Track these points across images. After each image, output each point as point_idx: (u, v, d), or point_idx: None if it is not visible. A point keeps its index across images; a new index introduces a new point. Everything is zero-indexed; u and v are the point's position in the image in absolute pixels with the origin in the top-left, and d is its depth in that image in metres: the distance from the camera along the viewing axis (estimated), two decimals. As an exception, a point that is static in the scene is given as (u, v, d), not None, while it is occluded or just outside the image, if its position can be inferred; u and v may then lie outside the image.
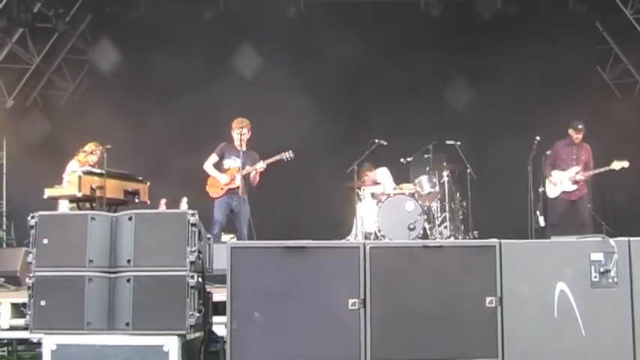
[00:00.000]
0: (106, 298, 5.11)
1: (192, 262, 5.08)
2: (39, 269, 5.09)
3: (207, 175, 9.83)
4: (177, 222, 5.16)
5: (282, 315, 4.94)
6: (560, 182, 10.07)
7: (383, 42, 13.09)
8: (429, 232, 10.81)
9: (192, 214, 5.18)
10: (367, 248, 4.97)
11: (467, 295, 4.95)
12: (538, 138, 10.12)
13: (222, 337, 5.53)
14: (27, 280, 5.18)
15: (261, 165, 9.52)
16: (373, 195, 11.35)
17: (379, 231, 10.74)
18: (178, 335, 4.99)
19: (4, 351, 6.53)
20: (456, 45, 12.99)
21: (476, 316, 4.92)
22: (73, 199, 8.98)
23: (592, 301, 4.92)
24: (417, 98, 13.12)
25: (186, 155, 11.54)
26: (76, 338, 5.01)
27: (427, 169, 11.42)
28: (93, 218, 5.19)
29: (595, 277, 4.95)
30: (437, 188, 11.15)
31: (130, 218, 5.18)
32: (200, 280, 5.26)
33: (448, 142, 11.26)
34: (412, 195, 10.90)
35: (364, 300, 4.90)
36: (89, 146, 9.68)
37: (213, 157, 9.79)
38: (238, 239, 8.77)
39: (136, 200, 9.35)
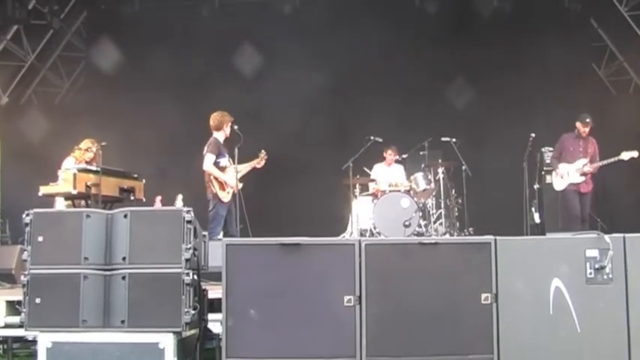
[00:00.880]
0: (101, 295, 5.10)
1: (187, 260, 5.07)
2: (34, 267, 5.08)
3: (202, 173, 9.18)
4: (172, 219, 5.15)
5: (278, 312, 4.94)
6: (567, 174, 9.93)
7: (378, 39, 13.08)
8: (424, 229, 10.82)
9: (188, 212, 5.17)
10: (362, 245, 4.96)
11: (462, 291, 4.95)
12: (533, 135, 10.12)
13: (218, 335, 5.52)
14: (22, 277, 5.17)
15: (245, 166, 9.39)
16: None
17: (374, 228, 10.76)
18: (174, 332, 4.98)
19: (-1, 348, 6.52)
20: (451, 42, 12.98)
21: (471, 312, 4.92)
22: (68, 197, 8.97)
23: (587, 298, 4.93)
24: (412, 95, 13.12)
25: (182, 152, 11.55)
26: (72, 336, 5.00)
27: (422, 166, 11.45)
28: (88, 216, 5.18)
29: (590, 273, 4.96)
30: (432, 185, 11.18)
31: (125, 216, 5.17)
32: (195, 277, 5.26)
33: (443, 139, 11.28)
34: (407, 192, 10.92)
35: (360, 297, 4.90)
36: (85, 143, 9.63)
37: (212, 157, 8.96)
38: (231, 236, 8.65)
39: (132, 198, 9.35)
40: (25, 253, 5.14)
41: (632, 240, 5.01)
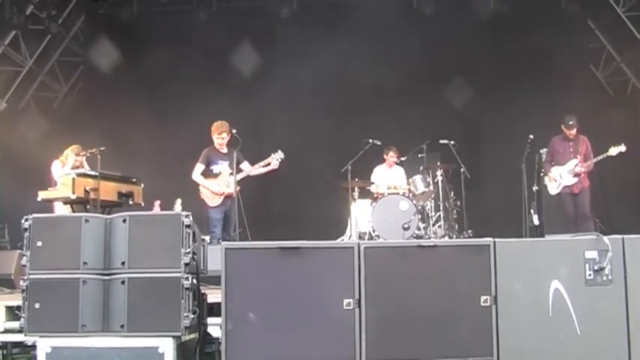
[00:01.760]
0: (100, 300, 5.10)
1: (186, 264, 5.08)
2: (33, 272, 5.08)
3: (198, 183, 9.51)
4: (171, 223, 5.16)
5: (277, 315, 4.93)
6: (560, 177, 9.94)
7: (376, 41, 13.10)
8: (423, 232, 10.82)
9: (187, 216, 5.17)
10: (361, 248, 4.96)
11: (461, 294, 4.95)
12: (531, 137, 10.11)
13: (218, 339, 5.51)
14: (21, 282, 5.17)
15: (250, 168, 9.40)
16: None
17: (373, 231, 10.75)
18: (173, 337, 4.98)
19: (-2, 354, 6.52)
20: (449, 44, 12.99)
21: (471, 315, 4.92)
22: (66, 201, 8.97)
23: (586, 299, 4.93)
24: (411, 98, 13.13)
25: (181, 157, 11.53)
26: (71, 341, 5.00)
27: (421, 168, 11.46)
28: (87, 220, 5.18)
29: (589, 275, 4.96)
30: (431, 188, 11.18)
31: (124, 220, 5.17)
32: (195, 281, 5.26)
33: (442, 141, 11.28)
34: (406, 194, 10.91)
35: (359, 300, 4.90)
36: (71, 149, 9.69)
37: (200, 167, 9.41)
38: (225, 240, 8.67)
39: (130, 202, 9.35)
40: (24, 258, 5.14)
41: (631, 241, 5.02)
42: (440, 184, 11.37)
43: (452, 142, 11.22)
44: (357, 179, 11.25)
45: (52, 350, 4.97)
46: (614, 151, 9.58)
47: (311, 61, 12.99)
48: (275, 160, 9.40)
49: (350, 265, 4.94)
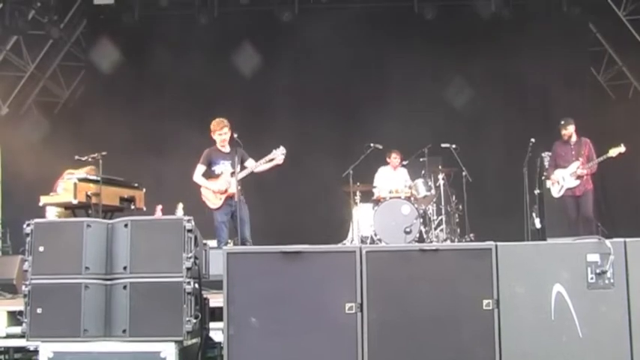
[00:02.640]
0: (102, 305, 5.11)
1: (188, 268, 5.08)
2: (35, 277, 5.09)
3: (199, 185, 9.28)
4: (173, 228, 5.17)
5: (279, 320, 4.93)
6: (562, 179, 9.92)
7: (377, 45, 13.12)
8: (425, 236, 10.81)
9: (188, 220, 5.18)
10: (363, 252, 4.96)
11: (463, 298, 4.94)
12: (533, 140, 10.09)
13: (220, 343, 5.53)
14: (23, 287, 5.17)
15: (254, 165, 9.25)
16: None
17: (375, 235, 10.75)
18: (175, 341, 4.99)
19: (0, 359, 6.51)
20: (450, 48, 13.00)
21: (473, 319, 4.91)
22: (68, 206, 8.98)
23: (589, 303, 4.91)
24: (412, 102, 13.12)
25: (182, 161, 11.53)
26: (73, 346, 5.01)
27: (423, 172, 11.44)
28: (89, 225, 5.19)
29: (591, 278, 4.95)
30: (432, 191, 11.17)
31: (125, 225, 5.18)
32: (196, 286, 5.26)
33: (443, 145, 11.26)
34: (408, 198, 10.91)
35: (361, 304, 4.89)
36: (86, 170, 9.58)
37: (201, 167, 9.11)
38: (242, 244, 8.57)
39: (132, 207, 9.35)
40: (26, 263, 5.15)
41: (633, 244, 5.00)
42: (441, 187, 11.36)
43: (453, 146, 11.20)
44: (358, 183, 11.24)
45: (54, 355, 4.98)
46: (613, 152, 9.58)
47: (312, 65, 13.01)
48: (280, 154, 9.21)
49: (352, 269, 4.94)
